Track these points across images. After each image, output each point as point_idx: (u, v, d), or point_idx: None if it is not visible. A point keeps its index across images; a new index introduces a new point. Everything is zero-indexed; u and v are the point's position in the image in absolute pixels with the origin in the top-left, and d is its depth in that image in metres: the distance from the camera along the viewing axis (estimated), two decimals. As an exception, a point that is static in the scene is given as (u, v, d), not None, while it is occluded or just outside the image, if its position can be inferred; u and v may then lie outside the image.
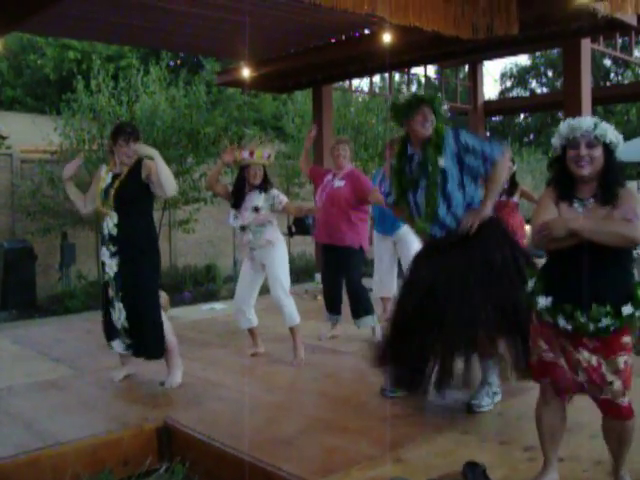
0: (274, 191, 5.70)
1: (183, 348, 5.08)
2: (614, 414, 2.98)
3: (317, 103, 10.61)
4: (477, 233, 4.21)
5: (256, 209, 5.61)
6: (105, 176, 4.96)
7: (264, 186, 5.65)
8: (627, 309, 2.87)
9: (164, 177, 4.82)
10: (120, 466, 3.89)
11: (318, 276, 9.68)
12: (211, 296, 10.25)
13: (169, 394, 4.80)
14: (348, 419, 4.20)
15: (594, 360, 2.93)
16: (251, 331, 5.91)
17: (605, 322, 2.86)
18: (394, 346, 4.31)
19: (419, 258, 4.51)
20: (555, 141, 3.10)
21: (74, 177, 5.11)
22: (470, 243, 4.22)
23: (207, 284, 10.97)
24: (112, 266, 4.86)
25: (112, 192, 4.84)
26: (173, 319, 7.97)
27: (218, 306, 8.75)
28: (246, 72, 9.05)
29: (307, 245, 13.10)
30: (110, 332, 5.01)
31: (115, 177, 4.91)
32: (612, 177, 2.99)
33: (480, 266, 4.13)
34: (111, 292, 4.91)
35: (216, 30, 7.70)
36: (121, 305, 4.85)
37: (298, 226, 5.93)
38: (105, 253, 4.90)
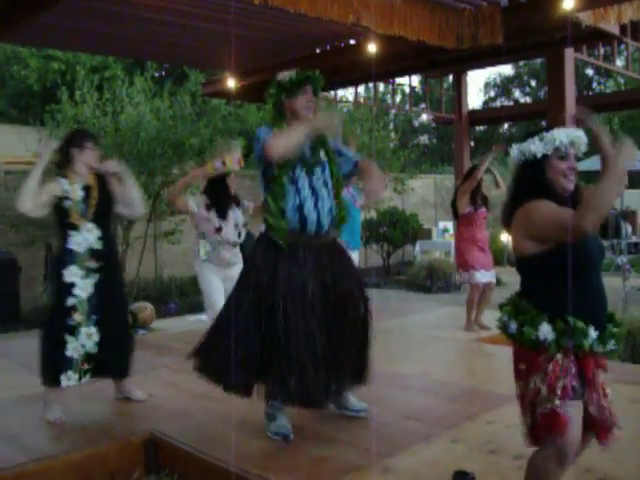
0: (244, 202, 5.77)
1: (169, 360, 5.03)
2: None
3: (302, 113, 10.57)
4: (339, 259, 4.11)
5: (244, 225, 5.66)
6: (72, 188, 4.55)
7: (237, 198, 5.74)
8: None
9: (135, 195, 4.79)
10: (106, 480, 3.85)
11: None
12: (197, 307, 10.17)
13: (156, 407, 4.75)
14: (336, 429, 4.17)
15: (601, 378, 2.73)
16: None
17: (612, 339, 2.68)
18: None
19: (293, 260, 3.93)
20: (538, 147, 2.68)
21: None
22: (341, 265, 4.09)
23: (193, 295, 10.89)
24: (86, 286, 4.49)
25: (93, 204, 4.57)
26: (159, 330, 7.95)
27: (204, 317, 8.68)
28: (231, 82, 9.07)
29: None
30: (60, 365, 4.47)
31: (86, 189, 4.60)
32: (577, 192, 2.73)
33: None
34: (78, 317, 4.47)
35: (201, 40, 7.70)
36: (93, 330, 4.51)
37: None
38: (76, 272, 4.48)
